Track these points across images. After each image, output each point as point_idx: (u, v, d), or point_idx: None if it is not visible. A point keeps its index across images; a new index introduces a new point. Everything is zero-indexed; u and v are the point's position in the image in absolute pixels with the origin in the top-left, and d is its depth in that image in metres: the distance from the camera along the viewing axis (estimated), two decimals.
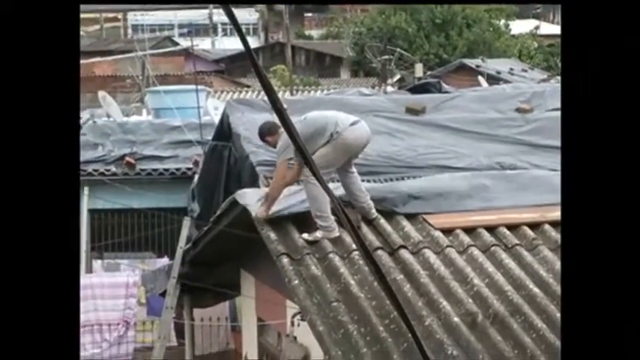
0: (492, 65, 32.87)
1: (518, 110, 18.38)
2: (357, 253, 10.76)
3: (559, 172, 12.72)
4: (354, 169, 11.45)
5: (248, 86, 40.25)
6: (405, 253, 10.83)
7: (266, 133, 11.97)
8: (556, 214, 11.47)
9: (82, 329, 18.03)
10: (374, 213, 11.33)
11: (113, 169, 21.92)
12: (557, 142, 15.88)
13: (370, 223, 11.26)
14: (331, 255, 10.80)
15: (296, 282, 10.44)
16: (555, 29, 55.19)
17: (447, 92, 21.93)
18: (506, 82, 26.69)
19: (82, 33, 58.80)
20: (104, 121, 24.44)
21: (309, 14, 63.85)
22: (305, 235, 11.03)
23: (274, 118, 12.35)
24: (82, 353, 17.89)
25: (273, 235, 11.14)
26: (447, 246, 11.00)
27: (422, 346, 4.77)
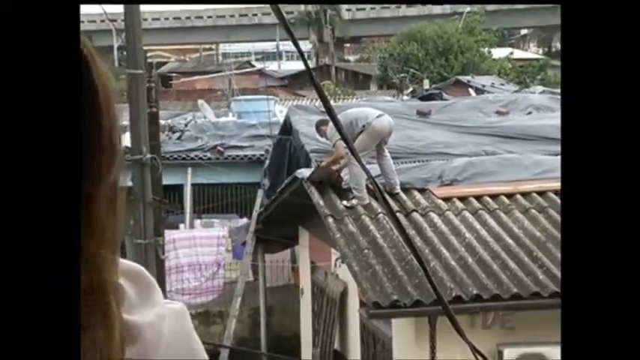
0: (479, 80, 32.60)
1: (497, 113, 18.26)
2: (382, 215, 10.74)
3: (527, 156, 12.67)
4: (387, 153, 11.45)
5: (304, 96, 40.16)
6: (416, 215, 10.82)
7: (319, 125, 12.30)
8: (525, 186, 11.42)
9: (187, 268, 18.12)
10: (398, 189, 11.31)
11: (208, 155, 21.95)
12: (525, 134, 15.83)
13: (392, 194, 11.23)
14: (363, 216, 10.79)
15: (338, 235, 10.44)
16: (525, 54, 54.82)
17: (446, 100, 21.87)
18: (489, 92, 26.47)
19: (186, 59, 58.94)
20: (202, 121, 24.53)
21: (348, 45, 63.61)
22: (344, 202, 11.04)
23: (323, 117, 12.43)
24: (187, 285, 17.99)
25: (321, 202, 11.15)
26: (446, 210, 10.97)
27: (430, 278, 4.71)
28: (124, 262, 1.08)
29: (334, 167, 11.50)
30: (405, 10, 59.32)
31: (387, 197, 11.13)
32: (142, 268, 1.14)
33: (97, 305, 1.01)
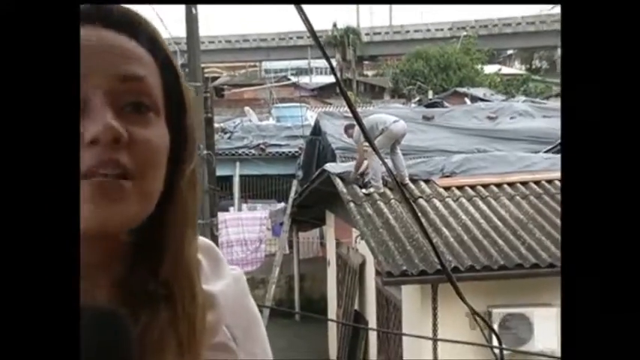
0: (473, 91, 32.39)
1: (488, 118, 18.19)
2: (394, 200, 10.72)
3: (512, 153, 12.60)
4: (399, 151, 11.41)
5: (331, 104, 40.04)
6: (421, 201, 10.78)
7: (347, 128, 12.35)
8: (511, 178, 11.36)
9: (235, 243, 18.14)
10: (407, 180, 11.27)
11: (253, 151, 21.98)
12: (511, 136, 15.76)
13: (402, 184, 11.19)
14: (379, 202, 10.77)
15: (358, 217, 10.43)
16: (510, 70, 54.40)
17: (446, 107, 21.79)
18: (482, 101, 26.35)
19: (235, 74, 58.96)
20: (248, 124, 24.55)
21: (366, 62, 63.28)
22: (364, 190, 11.02)
23: (347, 121, 12.38)
24: (235, 256, 18.00)
25: (345, 190, 11.14)
26: (446, 197, 10.93)
27: (437, 251, 4.69)
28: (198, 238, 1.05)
29: (361, 168, 11.39)
30: (412, 35, 59.07)
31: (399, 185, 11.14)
32: (212, 243, 1.11)
33: (184, 276, 0.97)
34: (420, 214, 10.29)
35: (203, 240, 1.07)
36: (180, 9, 11.05)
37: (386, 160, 11.05)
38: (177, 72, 0.99)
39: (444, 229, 9.90)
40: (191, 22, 10.32)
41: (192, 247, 0.99)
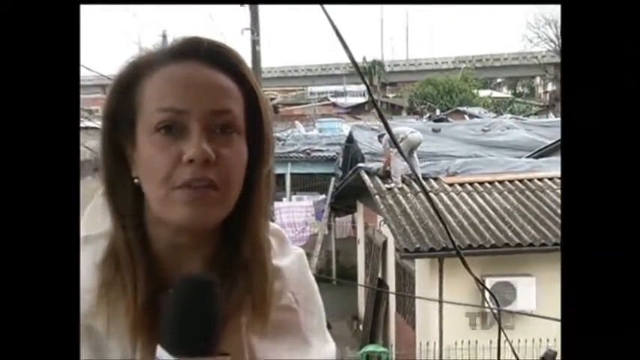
0: (471, 110, 32.11)
1: (483, 131, 18.04)
2: (410, 194, 10.69)
3: (501, 158, 12.49)
4: (415, 155, 11.36)
5: (361, 119, 39.79)
6: (431, 194, 10.74)
7: (380, 137, 12.21)
8: (501, 177, 11.27)
9: (287, 225, 18.13)
10: (420, 178, 11.22)
11: (301, 155, 21.95)
12: (501, 145, 15.61)
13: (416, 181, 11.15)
14: (398, 195, 10.74)
15: (381, 206, 10.42)
16: (499, 94, 53.62)
17: (450, 122, 21.64)
18: (477, 117, 26.08)
19: (287, 96, 58.93)
20: (297, 134, 24.53)
21: (388, 87, 62.68)
22: (386, 185, 11.00)
23: (374, 133, 12.32)
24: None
25: (372, 185, 11.13)
26: (451, 191, 10.88)
27: (449, 232, 4.68)
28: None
29: (386, 167, 11.39)
30: (424, 66, 58.52)
31: (413, 182, 11.11)
32: (278, 226, 1.10)
33: (258, 253, 0.98)
34: (428, 204, 10.28)
35: (271, 224, 1.07)
36: (247, 47, 11.13)
37: (404, 163, 11.08)
38: (259, 99, 0.97)
39: (449, 216, 9.86)
40: (255, 56, 10.41)
41: (264, 230, 1.00)
